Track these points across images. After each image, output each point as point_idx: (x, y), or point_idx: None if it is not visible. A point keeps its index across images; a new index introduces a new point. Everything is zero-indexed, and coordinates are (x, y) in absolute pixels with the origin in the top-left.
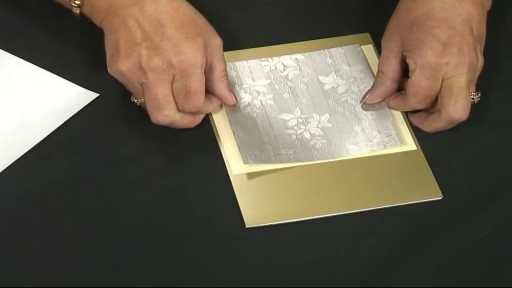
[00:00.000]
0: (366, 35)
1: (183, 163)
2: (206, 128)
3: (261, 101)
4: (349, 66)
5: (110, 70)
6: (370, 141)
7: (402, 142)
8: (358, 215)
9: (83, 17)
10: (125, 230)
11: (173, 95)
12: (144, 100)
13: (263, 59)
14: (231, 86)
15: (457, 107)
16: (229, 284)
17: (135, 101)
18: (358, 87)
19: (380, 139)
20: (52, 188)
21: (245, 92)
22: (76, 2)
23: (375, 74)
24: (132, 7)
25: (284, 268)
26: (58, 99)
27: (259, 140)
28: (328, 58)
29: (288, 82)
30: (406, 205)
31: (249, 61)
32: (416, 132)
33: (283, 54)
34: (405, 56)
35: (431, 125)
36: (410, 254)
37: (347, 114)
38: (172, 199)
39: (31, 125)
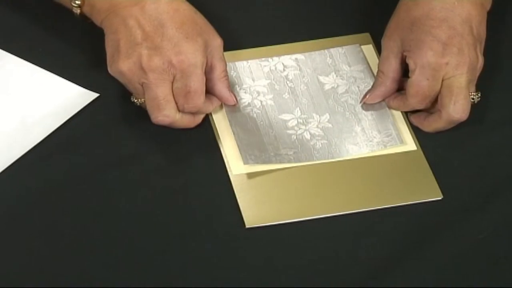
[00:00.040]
0: (366, 35)
1: (183, 163)
2: (206, 128)
3: (261, 101)
4: (349, 66)
5: (111, 70)
6: (370, 141)
7: (402, 142)
8: (358, 215)
9: (83, 17)
10: (125, 230)
11: (173, 95)
12: (144, 100)
13: (263, 59)
14: (231, 86)
15: (457, 107)
16: (229, 284)
17: (135, 101)
18: (358, 87)
19: (380, 139)
20: (52, 188)
21: (245, 92)
22: (77, 2)
23: (375, 74)
24: (133, 7)
25: (284, 268)
26: (58, 99)
27: (259, 140)
28: (328, 58)
29: (288, 82)
30: (406, 205)
31: (249, 61)
32: (416, 132)
33: (283, 54)
34: (405, 56)
35: (431, 125)
36: (410, 254)
37: (347, 114)
38: (172, 199)
39: (31, 125)
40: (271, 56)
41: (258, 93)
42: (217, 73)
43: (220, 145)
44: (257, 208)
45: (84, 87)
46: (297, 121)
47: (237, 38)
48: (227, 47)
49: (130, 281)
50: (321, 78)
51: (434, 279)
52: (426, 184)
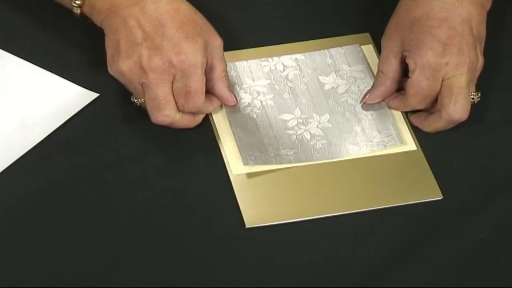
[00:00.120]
0: (366, 35)
1: (183, 163)
2: (206, 128)
3: (261, 101)
4: (349, 66)
5: (111, 70)
6: (370, 141)
7: (402, 142)
8: (358, 215)
9: (83, 17)
10: (125, 230)
11: (173, 95)
12: (144, 100)
13: (263, 59)
14: (231, 86)
15: (457, 107)
16: (229, 284)
17: (135, 101)
18: (358, 87)
19: (380, 139)
20: (52, 188)
21: (245, 92)
22: (77, 2)
23: (375, 74)
24: (133, 7)
25: (284, 268)
26: (58, 99)
27: (259, 141)
28: (328, 58)
29: (288, 82)
30: (406, 205)
31: (249, 61)
32: (416, 132)
33: (283, 54)
34: (405, 56)
35: (431, 125)
36: (410, 254)
37: (347, 114)
38: (172, 199)
39: (31, 125)
40: (271, 56)
41: (258, 93)
42: (217, 73)
43: (220, 145)
44: (257, 208)
45: (84, 87)
46: (297, 121)
47: (237, 38)
48: (227, 47)
49: (130, 281)
50: (321, 78)
51: (434, 279)
52: (426, 184)
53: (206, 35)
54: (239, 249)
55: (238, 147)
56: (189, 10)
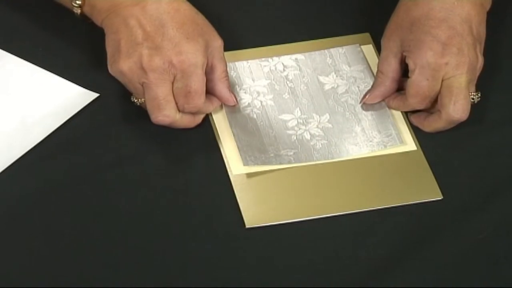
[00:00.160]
0: (366, 35)
1: (183, 163)
2: (206, 128)
3: (261, 102)
4: (349, 66)
5: (111, 70)
6: (370, 141)
7: (402, 142)
8: (358, 215)
9: (84, 17)
10: (125, 230)
11: (173, 95)
12: (144, 100)
13: (263, 59)
14: (231, 87)
15: (457, 107)
16: (229, 284)
17: (135, 101)
18: (358, 87)
19: (380, 139)
20: (52, 188)
21: (245, 92)
22: (77, 2)
23: (375, 74)
24: (134, 7)
25: (284, 268)
26: (58, 99)
27: (259, 141)
28: (328, 58)
29: (288, 82)
30: (406, 205)
31: (249, 61)
32: (416, 132)
33: (283, 54)
34: (405, 56)
35: (431, 125)
36: (410, 254)
37: (347, 114)
38: (172, 199)
39: (31, 125)
40: (271, 56)
41: (258, 93)
42: (218, 73)
43: (220, 145)
44: (257, 208)
45: (84, 87)
46: (297, 121)
47: (237, 38)
48: (227, 47)
49: (130, 281)
50: (321, 78)
51: (434, 279)
52: (426, 184)
53: (206, 35)
54: (239, 249)
55: (238, 147)
56: (189, 10)
